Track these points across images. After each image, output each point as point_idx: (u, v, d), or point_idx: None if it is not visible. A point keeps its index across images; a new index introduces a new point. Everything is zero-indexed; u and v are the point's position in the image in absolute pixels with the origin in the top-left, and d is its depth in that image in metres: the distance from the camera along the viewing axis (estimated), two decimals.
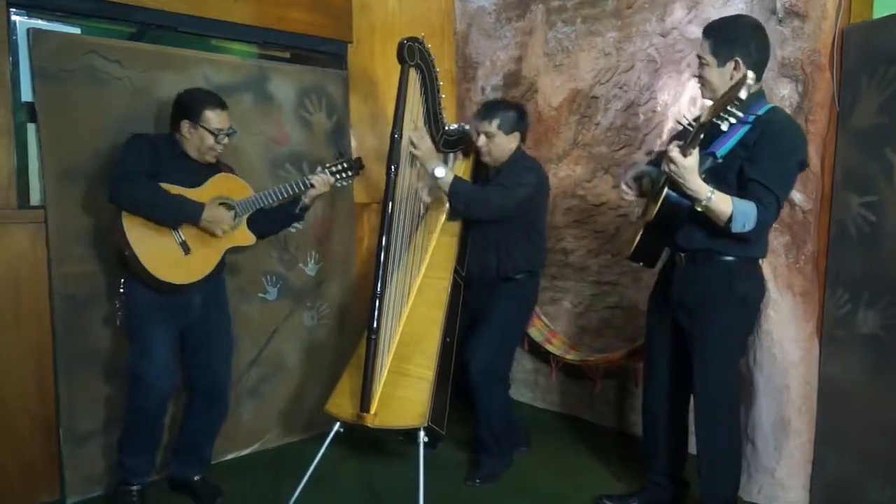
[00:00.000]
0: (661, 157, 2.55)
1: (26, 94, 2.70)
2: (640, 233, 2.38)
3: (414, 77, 2.64)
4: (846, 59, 2.54)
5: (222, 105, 2.59)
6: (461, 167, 3.06)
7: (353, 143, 3.56)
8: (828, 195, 2.62)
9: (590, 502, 2.75)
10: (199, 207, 2.52)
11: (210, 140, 2.55)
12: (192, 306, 2.63)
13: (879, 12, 2.53)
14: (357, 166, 2.84)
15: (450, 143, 2.92)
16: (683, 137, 2.19)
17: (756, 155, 2.15)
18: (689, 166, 2.06)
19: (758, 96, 2.21)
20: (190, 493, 2.79)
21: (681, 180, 2.09)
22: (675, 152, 2.07)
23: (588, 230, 3.59)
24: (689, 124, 2.22)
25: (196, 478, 2.80)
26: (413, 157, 2.77)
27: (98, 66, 2.73)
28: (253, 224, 2.73)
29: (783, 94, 2.66)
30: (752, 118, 2.12)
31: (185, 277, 2.54)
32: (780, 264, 2.67)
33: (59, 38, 2.71)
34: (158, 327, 2.56)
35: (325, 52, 3.56)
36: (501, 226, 2.88)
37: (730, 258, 2.27)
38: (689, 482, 2.64)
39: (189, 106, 2.54)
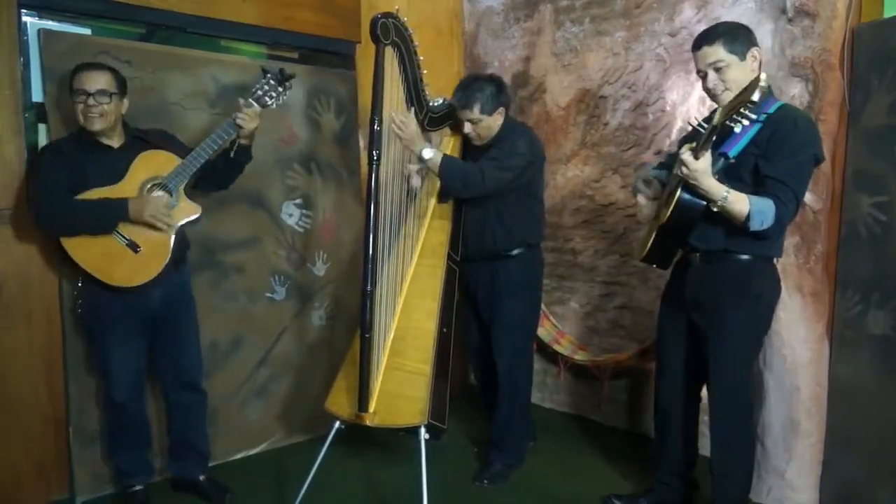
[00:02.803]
0: (669, 159, 2.55)
1: (37, 95, 2.72)
2: (653, 236, 2.37)
3: (391, 56, 2.47)
4: (857, 59, 2.53)
5: (90, 66, 2.44)
6: (450, 143, 2.96)
7: (361, 143, 3.56)
8: (838, 195, 2.61)
9: (598, 502, 2.74)
10: (123, 204, 2.39)
11: (74, 103, 2.41)
12: (152, 302, 2.55)
13: (890, 11, 2.51)
14: (286, 77, 2.63)
15: (436, 121, 2.78)
16: (694, 139, 2.18)
17: (770, 152, 2.14)
18: (701, 169, 2.06)
19: (767, 95, 2.20)
20: (197, 494, 2.79)
21: (694, 182, 2.09)
22: (687, 155, 2.07)
23: (596, 230, 3.58)
24: (700, 125, 2.22)
25: (202, 477, 2.81)
26: (398, 140, 2.65)
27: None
28: (204, 182, 2.64)
29: (793, 93, 2.65)
30: (763, 117, 2.11)
31: (146, 275, 2.46)
32: (789, 265, 2.66)
33: (70, 39, 2.73)
34: (119, 328, 2.52)
35: (333, 52, 3.56)
36: (498, 200, 2.80)
37: (746, 257, 2.27)
38: (699, 483, 2.64)
39: (69, 81, 2.46)
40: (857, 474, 2.52)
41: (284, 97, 2.66)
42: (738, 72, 2.19)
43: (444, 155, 2.71)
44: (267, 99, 2.59)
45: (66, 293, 2.70)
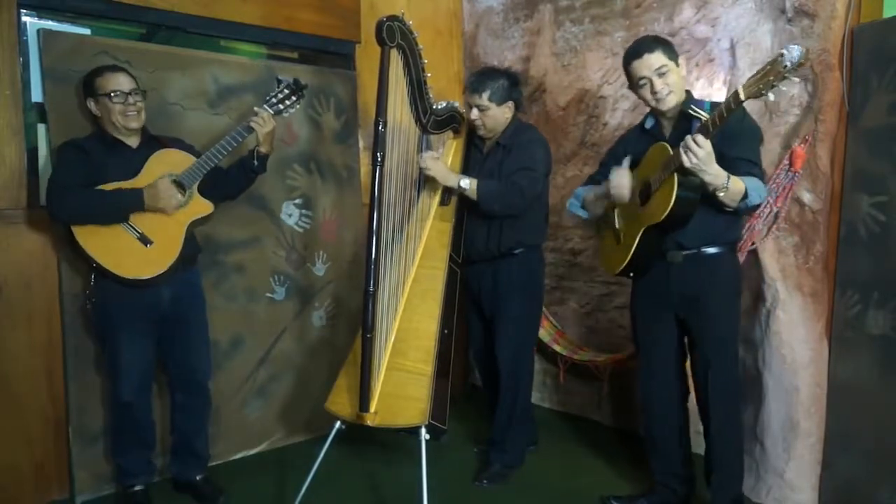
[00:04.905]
0: (604, 171, 2.60)
1: (37, 95, 2.72)
2: (636, 243, 2.36)
3: (396, 59, 2.48)
4: (856, 59, 2.53)
5: (113, 68, 2.51)
6: (453, 146, 2.99)
7: (361, 143, 3.56)
8: (837, 195, 2.61)
9: (597, 502, 2.74)
10: (138, 192, 2.44)
11: (109, 104, 2.45)
12: (161, 300, 2.57)
13: (889, 12, 2.52)
14: (300, 87, 2.70)
15: (439, 123, 2.81)
16: (654, 136, 2.32)
17: (730, 139, 2.23)
18: (711, 151, 2.08)
19: (690, 96, 2.39)
20: (192, 493, 2.80)
21: (704, 168, 2.08)
22: (700, 137, 2.06)
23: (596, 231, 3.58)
24: (697, 113, 2.26)
25: (198, 477, 2.82)
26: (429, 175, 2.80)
27: None
28: (214, 189, 2.66)
29: (793, 93, 2.65)
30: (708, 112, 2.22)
31: (156, 268, 2.49)
32: (789, 264, 2.66)
33: (70, 39, 2.73)
34: (129, 326, 2.53)
35: (333, 52, 3.56)
36: None
37: (722, 248, 2.36)
38: (695, 481, 2.64)
39: (84, 85, 2.50)
40: (857, 474, 2.53)
41: (298, 106, 2.73)
42: (677, 76, 2.34)
43: (479, 181, 2.75)
44: (280, 107, 2.68)
45: (67, 293, 2.70)
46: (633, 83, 2.40)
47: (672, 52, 2.34)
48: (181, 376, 2.75)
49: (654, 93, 2.33)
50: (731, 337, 2.42)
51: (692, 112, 2.28)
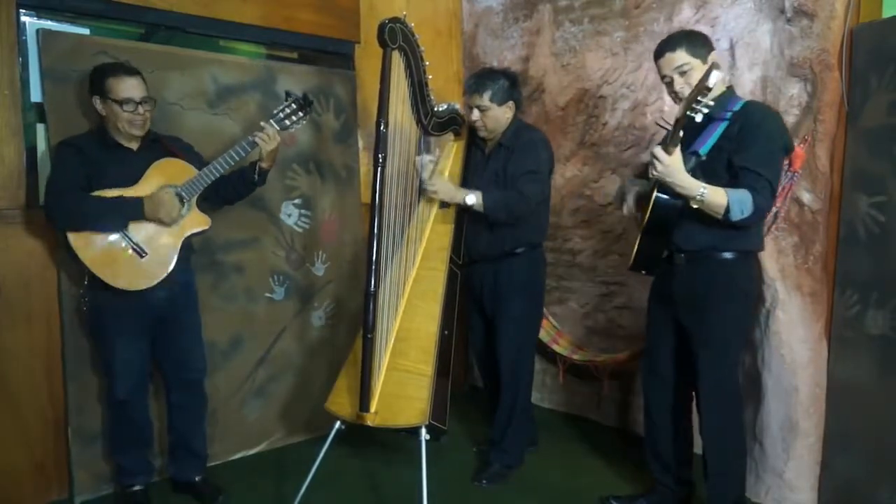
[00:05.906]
0: (647, 169, 2.58)
1: (36, 95, 2.72)
2: (637, 242, 2.38)
3: (398, 60, 2.50)
4: (855, 59, 2.53)
5: (128, 72, 2.45)
6: (454, 148, 3.01)
7: (361, 144, 3.56)
8: (837, 195, 2.61)
9: (597, 502, 2.75)
10: (139, 202, 2.43)
11: (118, 110, 2.42)
12: (155, 301, 2.55)
13: (888, 12, 2.52)
14: (307, 102, 2.67)
15: (440, 125, 2.82)
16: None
17: (741, 145, 2.20)
18: (673, 164, 2.09)
19: (730, 94, 2.32)
20: (192, 494, 2.80)
21: (669, 179, 2.11)
22: (658, 150, 2.11)
23: (595, 230, 3.58)
24: (668, 124, 2.26)
25: (197, 478, 2.81)
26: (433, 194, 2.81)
27: None
28: (214, 194, 2.65)
29: (792, 93, 2.65)
30: (729, 115, 2.20)
31: (148, 280, 2.48)
32: (788, 264, 2.66)
33: (69, 39, 2.73)
34: (123, 327, 2.53)
35: (332, 52, 3.56)
36: None
37: (730, 255, 2.31)
38: (695, 483, 2.64)
39: (94, 81, 2.44)
40: (856, 474, 2.53)
41: (304, 122, 2.71)
42: (701, 74, 2.25)
43: (484, 194, 2.75)
44: (287, 122, 2.65)
45: (66, 293, 2.70)
46: (662, 79, 2.40)
47: (699, 50, 2.28)
48: (177, 376, 2.75)
49: (673, 92, 2.33)
50: (728, 342, 2.37)
51: (659, 124, 2.29)
